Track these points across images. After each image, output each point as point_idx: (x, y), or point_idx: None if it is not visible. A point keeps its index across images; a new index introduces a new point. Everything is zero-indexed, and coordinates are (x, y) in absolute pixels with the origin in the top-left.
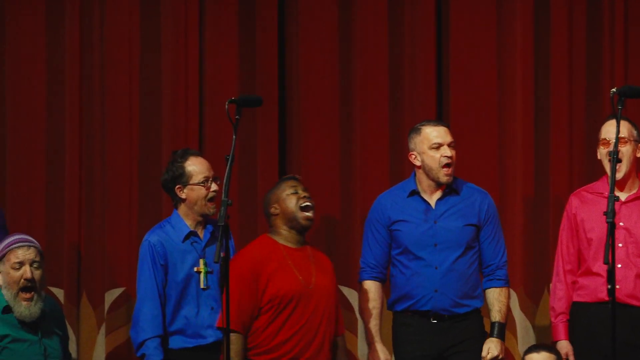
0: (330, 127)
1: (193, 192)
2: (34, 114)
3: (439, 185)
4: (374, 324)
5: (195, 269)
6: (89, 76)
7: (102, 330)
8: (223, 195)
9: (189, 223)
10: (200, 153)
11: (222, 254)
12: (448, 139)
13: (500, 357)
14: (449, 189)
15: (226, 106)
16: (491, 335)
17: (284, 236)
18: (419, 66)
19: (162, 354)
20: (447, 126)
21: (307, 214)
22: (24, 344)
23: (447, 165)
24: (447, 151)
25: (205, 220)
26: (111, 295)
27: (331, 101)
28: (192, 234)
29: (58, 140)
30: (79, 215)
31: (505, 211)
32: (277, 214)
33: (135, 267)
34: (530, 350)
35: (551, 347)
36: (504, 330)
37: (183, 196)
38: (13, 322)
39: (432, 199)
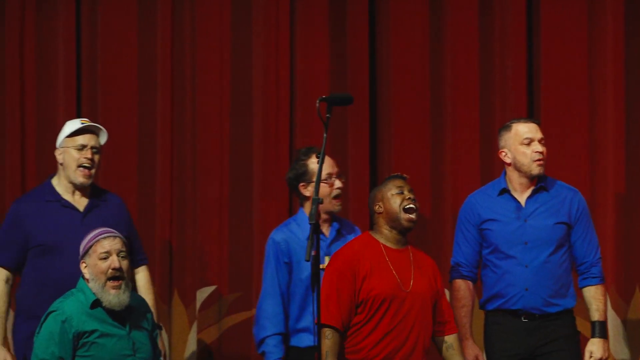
0: (421, 126)
1: None
2: (126, 114)
3: (530, 180)
4: (464, 322)
5: (320, 266)
6: (180, 75)
7: (194, 328)
8: (314, 194)
9: None
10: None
11: (313, 253)
12: (539, 135)
13: (605, 356)
14: (538, 187)
15: (317, 104)
16: (592, 335)
17: (385, 235)
18: (509, 65)
19: (283, 352)
20: (538, 123)
21: (410, 215)
22: (113, 338)
23: (538, 160)
24: (538, 147)
25: (331, 217)
26: (202, 294)
27: (422, 100)
28: None
29: (149, 138)
30: (170, 214)
31: (597, 210)
32: (380, 212)
33: (227, 265)
34: None
35: None
36: (605, 328)
37: (307, 194)
38: (101, 317)
39: (522, 197)
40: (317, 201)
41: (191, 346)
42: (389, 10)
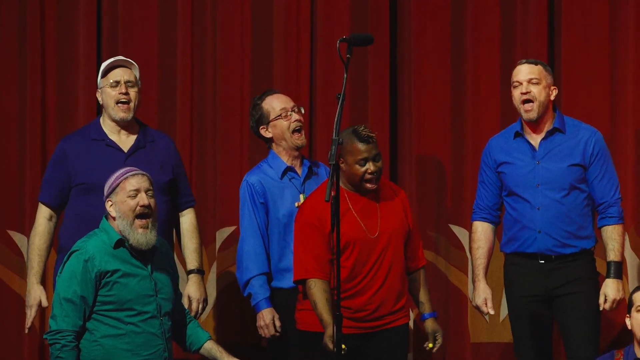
0: (441, 66)
1: (276, 128)
2: (146, 51)
3: (534, 123)
4: (478, 264)
5: (296, 204)
6: (200, 14)
7: (214, 268)
8: (334, 134)
9: (285, 159)
10: (277, 91)
11: (332, 193)
12: (522, 76)
13: (620, 297)
14: (553, 129)
15: (337, 45)
16: (607, 276)
17: (346, 185)
18: (531, 2)
19: (269, 291)
20: (537, 64)
21: (370, 185)
22: (135, 278)
23: (524, 102)
24: (522, 88)
25: (301, 156)
26: (222, 234)
27: (443, 40)
28: (289, 169)
29: (170, 80)
30: (190, 155)
31: (616, 148)
32: (342, 168)
33: None
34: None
35: None
36: (620, 268)
37: (269, 135)
38: (124, 257)
39: (536, 139)
40: (336, 141)
41: (211, 287)
42: None
